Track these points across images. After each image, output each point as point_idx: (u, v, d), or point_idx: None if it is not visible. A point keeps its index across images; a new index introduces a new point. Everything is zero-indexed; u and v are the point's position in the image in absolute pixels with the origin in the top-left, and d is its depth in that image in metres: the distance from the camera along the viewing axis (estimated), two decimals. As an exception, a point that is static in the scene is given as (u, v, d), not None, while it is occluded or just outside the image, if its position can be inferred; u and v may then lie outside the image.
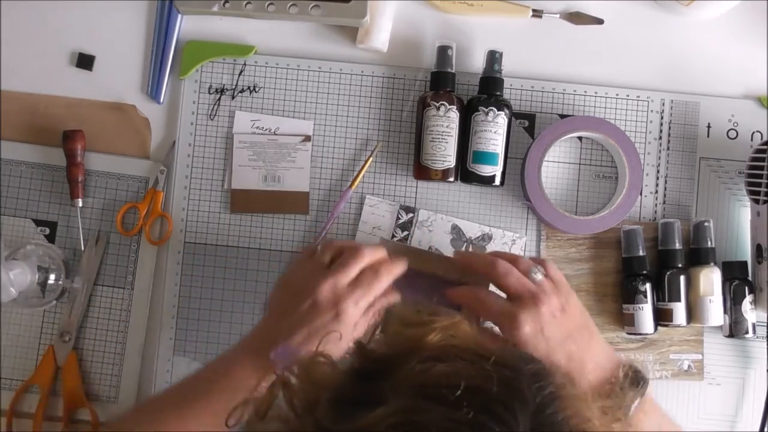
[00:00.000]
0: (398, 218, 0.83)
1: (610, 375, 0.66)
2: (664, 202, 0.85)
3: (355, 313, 0.68)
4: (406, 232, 0.83)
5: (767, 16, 0.86)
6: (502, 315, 0.69)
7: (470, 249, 0.83)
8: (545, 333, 0.67)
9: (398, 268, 0.72)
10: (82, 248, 0.83)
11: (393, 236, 0.83)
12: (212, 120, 0.85)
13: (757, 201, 0.80)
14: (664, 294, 0.80)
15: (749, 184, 0.80)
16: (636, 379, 0.66)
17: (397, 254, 0.78)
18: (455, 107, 0.80)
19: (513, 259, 0.72)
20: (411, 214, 0.84)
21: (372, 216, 0.83)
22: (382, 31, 0.83)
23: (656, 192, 0.85)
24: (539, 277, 0.70)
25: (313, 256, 0.72)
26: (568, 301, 0.69)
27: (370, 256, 0.71)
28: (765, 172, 0.79)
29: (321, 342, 0.62)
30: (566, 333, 0.67)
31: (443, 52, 0.82)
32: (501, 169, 0.81)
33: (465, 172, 0.81)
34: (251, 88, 0.85)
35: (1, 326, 0.83)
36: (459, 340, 0.49)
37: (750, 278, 0.81)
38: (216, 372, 0.69)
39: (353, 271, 0.69)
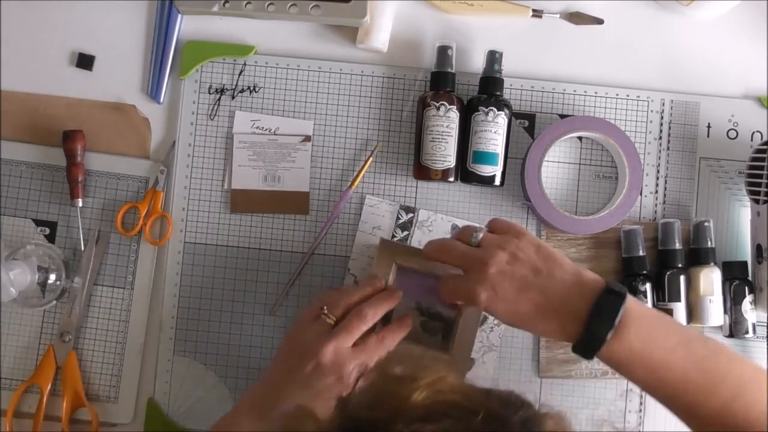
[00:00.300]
0: (398, 218, 0.83)
1: (581, 306, 0.62)
2: (664, 202, 0.85)
3: (356, 377, 0.69)
4: (406, 232, 0.83)
5: (767, 16, 0.86)
6: (461, 294, 0.68)
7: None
8: (499, 293, 0.65)
9: (402, 333, 0.74)
10: (82, 248, 0.83)
11: (393, 236, 0.83)
12: (212, 120, 0.85)
13: (757, 201, 0.80)
14: (664, 294, 0.80)
15: (749, 184, 0.80)
16: (610, 299, 0.62)
17: (397, 254, 0.78)
18: (455, 107, 0.80)
19: (458, 233, 0.71)
20: (411, 214, 0.84)
21: (372, 216, 0.83)
22: (382, 31, 0.83)
23: (656, 192, 0.85)
24: (479, 237, 0.68)
25: (319, 315, 0.72)
26: (519, 247, 0.66)
27: (373, 318, 0.71)
28: (765, 172, 0.79)
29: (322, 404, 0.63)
30: (522, 282, 0.65)
31: (443, 52, 0.82)
32: (501, 169, 0.81)
33: (465, 172, 0.81)
34: (251, 88, 0.85)
35: (1, 326, 0.83)
36: (445, 396, 0.48)
37: (750, 278, 0.81)
38: None
39: (357, 333, 0.70)
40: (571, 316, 0.63)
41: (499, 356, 0.82)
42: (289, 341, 0.73)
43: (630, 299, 0.63)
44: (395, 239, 0.83)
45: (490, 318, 0.81)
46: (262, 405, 0.69)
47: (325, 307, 0.72)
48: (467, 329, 0.78)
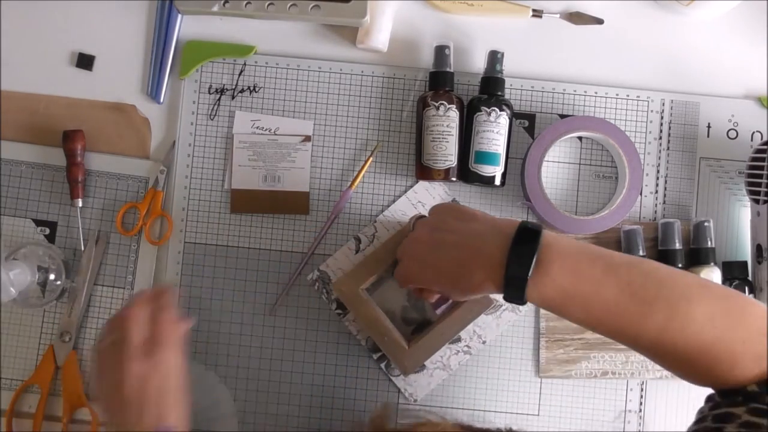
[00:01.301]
0: None
1: (499, 251, 0.61)
2: (664, 202, 0.85)
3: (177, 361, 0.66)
4: None
5: (767, 16, 0.86)
6: (404, 279, 0.70)
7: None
8: (423, 261, 0.66)
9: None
10: (82, 248, 0.83)
11: None
12: (212, 120, 0.85)
13: (757, 201, 0.80)
14: (664, 294, 0.80)
15: (749, 184, 0.80)
16: (526, 238, 0.61)
17: None
18: (455, 106, 0.80)
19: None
20: None
21: (424, 192, 0.84)
22: (382, 31, 0.83)
23: (656, 192, 0.85)
24: (412, 224, 0.73)
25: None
26: (440, 219, 0.68)
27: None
28: (765, 172, 0.79)
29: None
30: (440, 244, 0.65)
31: (440, 51, 0.82)
32: (502, 170, 0.81)
33: (466, 172, 0.81)
34: (251, 88, 0.85)
35: (1, 326, 0.83)
36: None
37: (750, 278, 0.82)
38: None
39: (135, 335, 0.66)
40: (492, 264, 0.61)
41: (493, 355, 0.83)
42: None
43: (549, 235, 0.61)
44: None
45: (462, 342, 0.82)
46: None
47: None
48: (437, 337, 0.78)
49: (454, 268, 0.64)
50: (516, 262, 0.60)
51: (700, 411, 0.58)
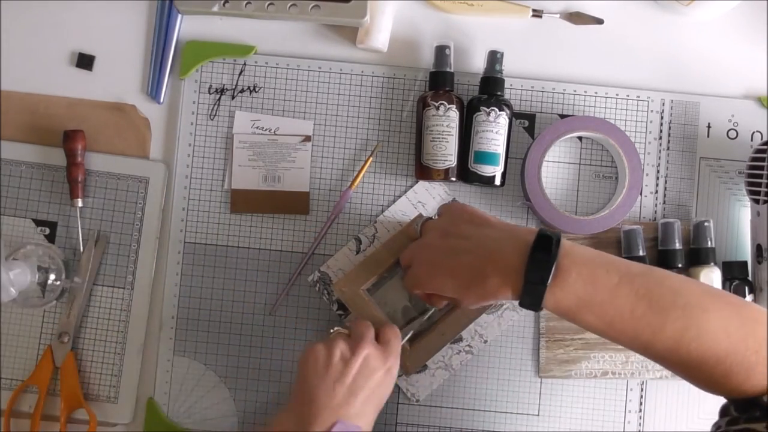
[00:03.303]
0: None
1: (516, 257, 0.61)
2: (664, 202, 0.85)
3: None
4: None
5: (767, 16, 0.86)
6: (413, 285, 0.70)
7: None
8: (436, 267, 0.66)
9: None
10: (82, 248, 0.83)
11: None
12: (212, 120, 0.85)
13: (757, 201, 0.80)
14: (664, 294, 0.80)
15: (749, 184, 0.80)
16: (544, 245, 0.60)
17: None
18: (455, 106, 0.80)
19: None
20: None
21: (424, 192, 0.83)
22: (382, 31, 0.83)
23: (656, 192, 0.85)
24: (418, 226, 0.73)
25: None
26: (451, 222, 0.68)
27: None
28: (765, 172, 0.79)
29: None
30: (454, 249, 0.65)
31: (441, 51, 0.82)
32: (501, 170, 0.81)
33: (466, 172, 0.81)
34: (251, 88, 0.85)
35: (1, 326, 0.83)
36: None
37: (750, 278, 0.81)
38: None
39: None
40: (509, 269, 0.61)
41: (493, 356, 0.83)
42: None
43: (566, 243, 0.61)
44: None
45: (464, 341, 0.82)
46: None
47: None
48: (438, 337, 0.78)
49: (468, 273, 0.64)
50: (535, 269, 0.60)
51: (716, 425, 0.58)
